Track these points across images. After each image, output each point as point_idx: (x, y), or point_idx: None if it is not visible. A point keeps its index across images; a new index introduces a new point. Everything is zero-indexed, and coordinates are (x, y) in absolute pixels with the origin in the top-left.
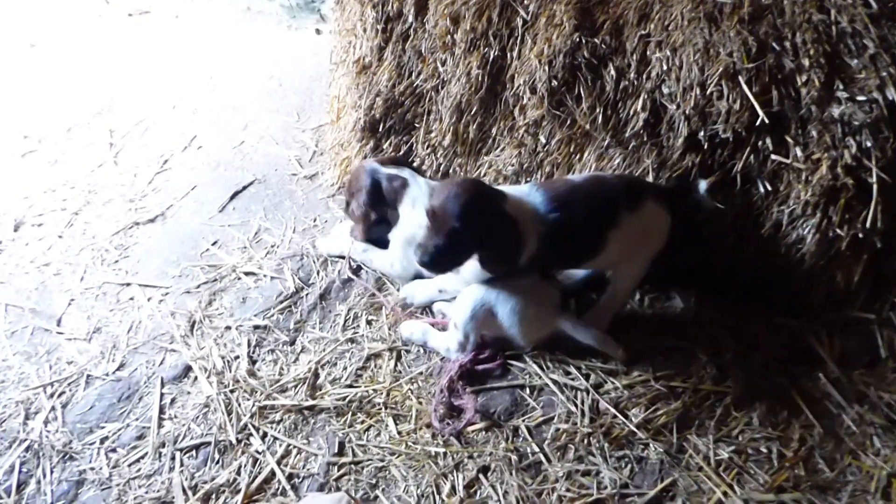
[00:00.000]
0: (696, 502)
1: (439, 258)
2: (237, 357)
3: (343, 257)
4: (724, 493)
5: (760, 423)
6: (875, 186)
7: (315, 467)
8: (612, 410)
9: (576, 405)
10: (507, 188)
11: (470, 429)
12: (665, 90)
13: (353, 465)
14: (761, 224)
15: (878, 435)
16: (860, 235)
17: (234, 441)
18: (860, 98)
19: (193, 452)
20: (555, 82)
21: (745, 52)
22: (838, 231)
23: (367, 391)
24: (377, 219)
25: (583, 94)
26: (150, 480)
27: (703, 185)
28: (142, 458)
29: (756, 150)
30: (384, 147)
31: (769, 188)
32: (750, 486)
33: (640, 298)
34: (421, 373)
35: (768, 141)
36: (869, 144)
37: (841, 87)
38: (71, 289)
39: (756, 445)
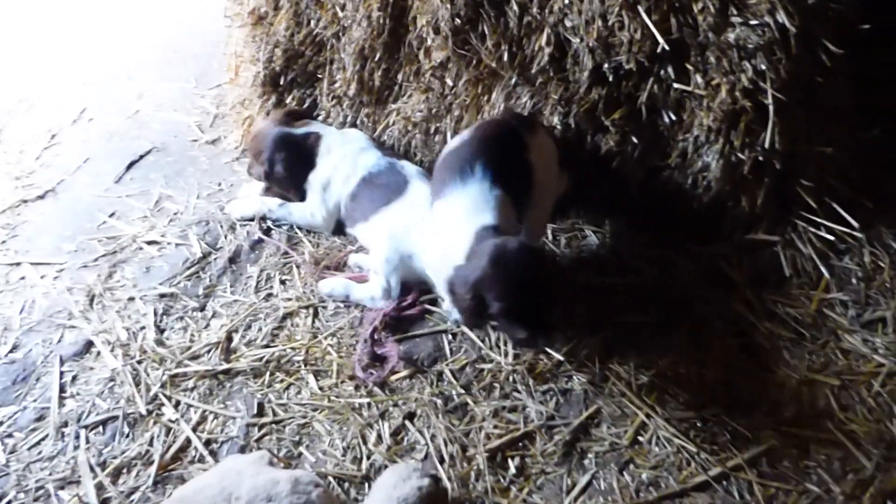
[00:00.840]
0: (621, 426)
1: None
2: (143, 328)
3: (254, 219)
4: (647, 415)
5: (680, 347)
6: (771, 108)
7: (234, 430)
8: None
9: (498, 345)
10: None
11: (394, 377)
12: (568, 23)
13: (274, 425)
14: (668, 154)
15: (787, 348)
16: (760, 158)
17: (144, 412)
18: (753, 22)
19: (100, 428)
20: (458, 20)
21: None
22: (740, 155)
23: (284, 350)
24: (302, 180)
25: (487, 32)
26: (53, 462)
27: None
28: (43, 439)
29: (659, 79)
30: (287, 102)
31: (674, 118)
32: (671, 406)
33: (554, 239)
34: (341, 327)
35: (670, 70)
36: (763, 67)
37: (735, 12)
38: None
39: (676, 369)
